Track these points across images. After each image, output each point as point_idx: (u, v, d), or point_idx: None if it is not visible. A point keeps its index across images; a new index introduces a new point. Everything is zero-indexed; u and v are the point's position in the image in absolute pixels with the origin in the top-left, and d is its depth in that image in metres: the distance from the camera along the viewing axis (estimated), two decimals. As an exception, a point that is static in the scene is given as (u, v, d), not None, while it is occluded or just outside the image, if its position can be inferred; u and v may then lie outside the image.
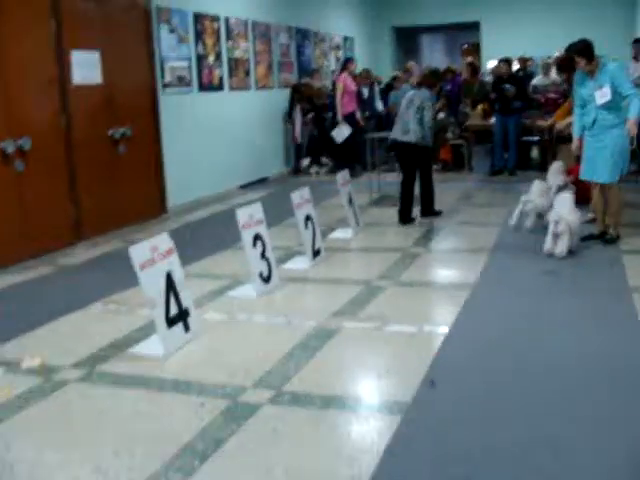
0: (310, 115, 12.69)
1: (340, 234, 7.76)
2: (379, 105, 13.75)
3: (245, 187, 11.35)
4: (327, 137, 12.73)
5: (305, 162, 12.86)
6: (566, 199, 6.66)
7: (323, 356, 4.40)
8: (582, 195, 7.34)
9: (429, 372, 4.06)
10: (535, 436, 3.28)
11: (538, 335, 4.62)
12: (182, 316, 4.69)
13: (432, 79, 8.51)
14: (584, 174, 6.94)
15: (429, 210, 8.48)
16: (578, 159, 7.55)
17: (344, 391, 3.89)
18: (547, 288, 5.66)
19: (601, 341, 4.48)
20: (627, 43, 15.00)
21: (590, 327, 4.75)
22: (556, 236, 6.43)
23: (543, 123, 11.35)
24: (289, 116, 12.56)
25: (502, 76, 11.54)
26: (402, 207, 8.27)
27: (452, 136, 12.43)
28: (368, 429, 3.46)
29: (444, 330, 4.75)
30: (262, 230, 5.91)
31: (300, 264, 6.61)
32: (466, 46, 23.82)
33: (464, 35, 21.00)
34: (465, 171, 12.26)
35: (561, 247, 6.39)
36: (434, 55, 21.22)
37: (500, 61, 11.80)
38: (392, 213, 8.63)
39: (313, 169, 12.90)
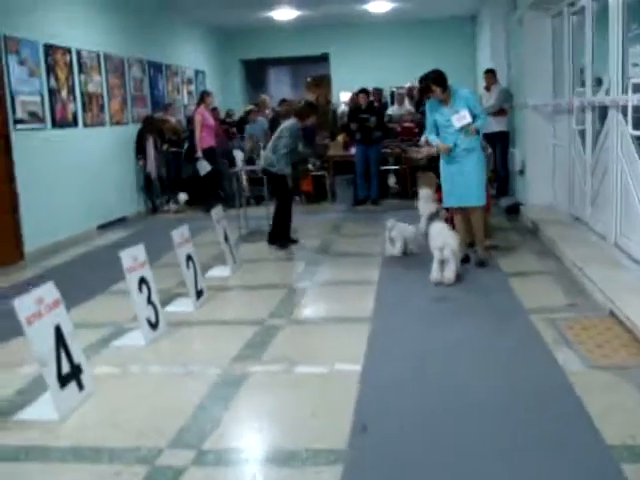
0: (164, 147, 12.24)
1: (217, 272, 7.44)
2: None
3: (104, 227, 10.75)
4: (181, 172, 12.42)
5: (183, 197, 12.38)
6: (442, 226, 6.68)
7: (237, 406, 4.09)
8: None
9: (355, 415, 3.85)
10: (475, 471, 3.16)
11: (452, 365, 4.54)
12: (75, 373, 4.24)
13: (307, 110, 8.55)
14: (450, 202, 7.05)
15: (277, 237, 8.57)
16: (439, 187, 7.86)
17: (272, 444, 3.60)
18: (445, 315, 5.63)
19: (515, 367, 4.46)
20: (469, 74, 15.75)
21: (500, 352, 4.73)
22: (442, 263, 6.44)
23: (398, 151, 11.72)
24: (139, 151, 11.98)
25: (360, 106, 11.63)
26: (272, 229, 8.58)
27: (313, 167, 12.41)
28: (313, 486, 3.19)
29: (356, 368, 4.56)
30: (147, 273, 5.53)
31: (184, 306, 6.25)
32: (309, 79, 24.13)
33: (311, 68, 21.23)
34: (328, 202, 12.25)
35: (449, 273, 6.42)
36: (281, 87, 21.28)
37: (359, 92, 11.89)
38: (266, 248, 8.47)
39: (171, 206, 12.43)
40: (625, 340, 4.74)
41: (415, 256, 7.60)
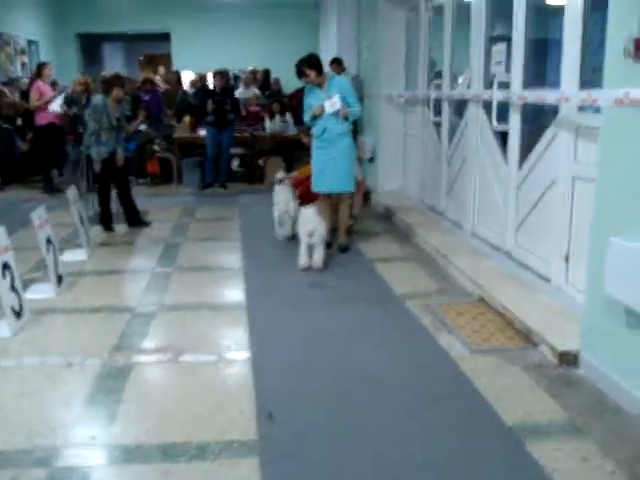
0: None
1: (72, 256, 7.04)
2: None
3: None
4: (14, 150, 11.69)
5: None
6: (311, 211, 6.69)
7: (132, 399, 3.90)
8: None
9: (257, 402, 3.79)
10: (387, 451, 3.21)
11: (339, 351, 4.57)
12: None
13: (110, 84, 8.13)
14: (319, 186, 7.10)
15: (135, 220, 8.49)
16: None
17: (181, 436, 3.46)
18: (321, 301, 5.65)
19: (402, 353, 4.56)
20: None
21: (384, 338, 4.82)
22: (311, 248, 6.48)
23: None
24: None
25: (214, 88, 11.41)
26: (101, 216, 8.30)
27: (158, 149, 12.06)
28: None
29: (245, 355, 4.51)
30: (10, 258, 5.14)
31: (43, 293, 5.88)
32: (142, 58, 23.39)
33: (148, 45, 20.59)
34: (174, 184, 11.96)
35: (318, 259, 6.47)
36: (115, 65, 20.46)
37: (215, 73, 11.65)
38: (118, 232, 8.17)
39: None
40: (499, 324, 4.99)
41: (274, 241, 7.59)
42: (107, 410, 3.74)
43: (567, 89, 4.87)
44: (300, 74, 6.85)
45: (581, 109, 4.82)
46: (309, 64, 6.78)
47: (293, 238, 7.32)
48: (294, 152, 11.18)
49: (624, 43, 3.65)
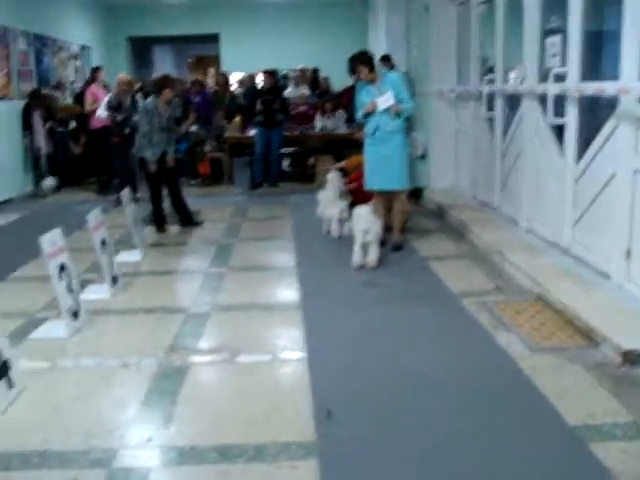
0: (48, 124, 11.55)
1: (127, 257, 7.10)
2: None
3: (-11, 210, 10.10)
4: (68, 152, 11.88)
5: (50, 182, 11.63)
6: (366, 210, 6.64)
7: (188, 400, 3.89)
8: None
9: (315, 402, 3.76)
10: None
11: (398, 349, 4.51)
12: (3, 370, 3.92)
13: (160, 85, 8.18)
14: (372, 184, 7.03)
15: (187, 220, 8.53)
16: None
17: (238, 438, 3.44)
18: (376, 300, 5.59)
19: (461, 351, 4.48)
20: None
21: (443, 336, 4.76)
22: (365, 247, 6.42)
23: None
24: (26, 127, 11.29)
25: (263, 88, 11.43)
26: (154, 217, 8.39)
27: (209, 149, 12.14)
28: (290, 481, 3.08)
29: (301, 355, 4.48)
30: (66, 259, 5.20)
31: (98, 294, 5.94)
32: (191, 60, 23.58)
33: (196, 47, 20.77)
34: (225, 185, 12.01)
35: (372, 257, 6.41)
36: (165, 67, 20.68)
37: (264, 72, 11.69)
38: (171, 231, 8.24)
39: (42, 189, 11.62)
40: (558, 322, 4.87)
41: (326, 239, 7.56)
42: (163, 411, 3.74)
43: (627, 80, 4.73)
44: (352, 71, 6.81)
45: (644, 100, 4.68)
46: (361, 61, 6.74)
47: (341, 237, 7.38)
48: (344, 150, 11.14)
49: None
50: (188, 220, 8.50)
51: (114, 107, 9.80)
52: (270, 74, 11.56)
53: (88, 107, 11.03)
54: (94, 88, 11.15)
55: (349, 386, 4.00)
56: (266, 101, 11.14)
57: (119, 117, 9.80)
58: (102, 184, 11.35)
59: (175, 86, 8.65)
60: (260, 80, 11.79)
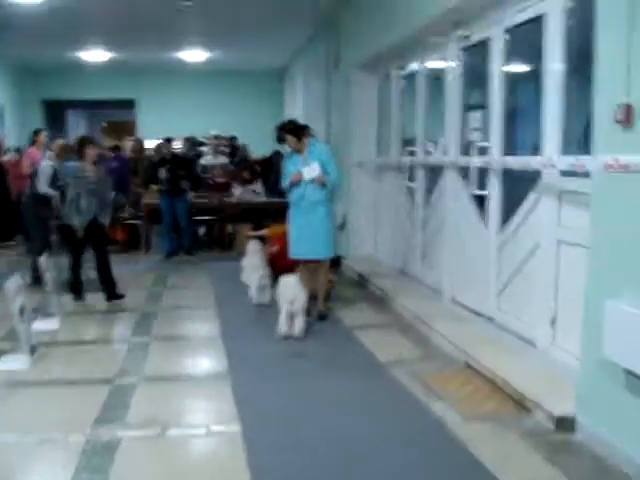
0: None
1: (44, 325, 6.82)
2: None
3: None
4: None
5: None
6: (292, 279, 6.63)
7: (122, 478, 3.71)
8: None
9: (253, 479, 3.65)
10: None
11: (332, 423, 4.45)
12: None
13: (81, 144, 7.79)
14: (297, 253, 7.06)
15: (112, 294, 7.96)
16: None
17: (177, 517, 3.30)
18: (306, 371, 5.53)
19: (397, 422, 4.47)
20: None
21: (377, 408, 4.74)
22: (291, 316, 6.39)
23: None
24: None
25: (165, 156, 11.33)
26: (72, 285, 7.95)
27: (127, 215, 11.96)
28: None
29: (234, 429, 4.35)
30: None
31: (15, 364, 5.67)
32: (105, 124, 23.41)
33: (111, 112, 20.62)
34: (143, 251, 11.80)
35: (299, 327, 6.37)
36: (78, 131, 20.42)
37: (164, 141, 11.66)
38: (89, 299, 7.94)
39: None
40: (488, 391, 4.93)
41: (249, 309, 7.49)
42: (97, 490, 3.56)
43: (550, 154, 4.94)
44: (280, 139, 6.88)
45: (564, 174, 4.88)
46: (288, 130, 6.82)
47: (262, 305, 7.40)
48: (263, 219, 11.17)
49: (613, 110, 3.71)
50: (113, 294, 7.96)
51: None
52: (168, 141, 11.58)
53: (25, 170, 10.53)
54: (33, 151, 10.75)
55: (286, 463, 3.88)
56: (170, 169, 11.05)
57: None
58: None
59: (96, 145, 8.26)
60: (167, 148, 11.58)
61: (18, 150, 13.14)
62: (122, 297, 7.97)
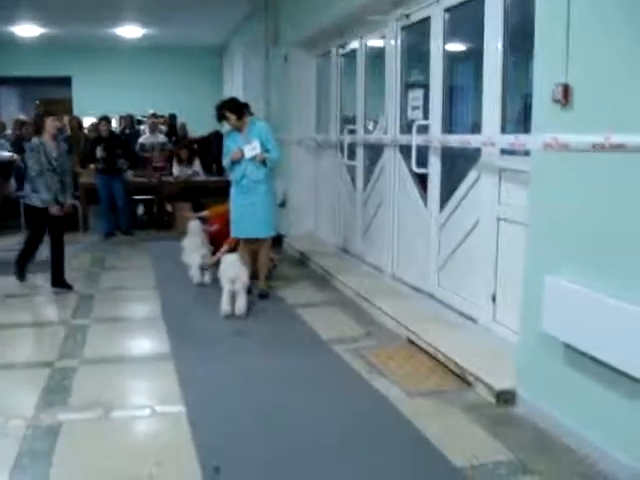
0: None
1: (-23, 308, 6.67)
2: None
3: None
4: None
5: None
6: (234, 258, 6.60)
7: (64, 462, 3.66)
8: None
9: (200, 458, 3.64)
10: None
11: (275, 400, 4.45)
12: None
13: (40, 120, 7.28)
14: (238, 232, 7.03)
15: (59, 281, 7.51)
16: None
17: (123, 500, 3.27)
18: (248, 349, 5.53)
19: (340, 399, 4.50)
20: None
21: (319, 385, 4.76)
22: (233, 295, 6.37)
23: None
24: None
25: (101, 135, 11.09)
26: (18, 263, 7.61)
27: (63, 195, 11.69)
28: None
29: (178, 409, 4.33)
30: None
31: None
32: (38, 102, 22.77)
33: (45, 90, 20.04)
34: (81, 232, 11.57)
35: (241, 306, 6.36)
36: (11, 109, 19.82)
37: (100, 119, 11.37)
38: (31, 283, 7.75)
39: None
40: (430, 366, 5.01)
41: (190, 288, 7.46)
42: (36, 476, 3.50)
43: (490, 133, 5.01)
44: (220, 117, 6.81)
45: (503, 152, 4.95)
46: (229, 108, 6.77)
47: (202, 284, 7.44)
48: (202, 197, 11.08)
49: (551, 90, 3.77)
50: (61, 281, 7.53)
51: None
52: (106, 120, 11.27)
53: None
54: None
55: (232, 440, 3.89)
56: (107, 148, 10.86)
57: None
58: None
59: (58, 115, 7.96)
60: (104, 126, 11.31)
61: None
62: (70, 288, 7.52)
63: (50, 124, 7.15)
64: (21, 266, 7.62)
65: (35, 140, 7.17)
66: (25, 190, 7.41)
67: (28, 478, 3.50)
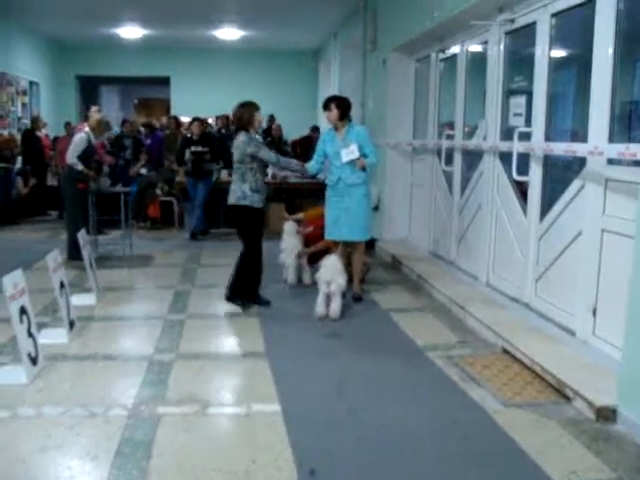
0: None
1: (81, 300, 6.90)
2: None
3: None
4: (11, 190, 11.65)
5: None
6: (334, 260, 6.59)
7: (164, 454, 3.75)
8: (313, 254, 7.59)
9: (295, 458, 3.67)
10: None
11: (370, 404, 4.45)
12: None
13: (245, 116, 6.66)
14: (332, 234, 7.05)
15: (240, 291, 6.84)
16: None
17: (221, 495, 3.33)
18: (342, 352, 5.55)
19: (436, 407, 4.46)
20: (311, 109, 16.01)
21: (415, 391, 4.72)
22: (328, 297, 6.39)
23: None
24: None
25: (192, 137, 11.09)
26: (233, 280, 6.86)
27: (161, 193, 12.03)
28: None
29: (275, 407, 4.38)
30: (26, 302, 5.03)
31: (55, 338, 5.75)
32: (136, 101, 23.54)
33: (144, 89, 20.70)
34: (176, 229, 11.87)
35: (335, 309, 6.38)
36: (111, 107, 20.57)
37: (192, 120, 11.39)
38: (125, 275, 7.99)
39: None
40: (526, 377, 4.91)
41: (284, 289, 7.59)
42: (137, 465, 3.60)
43: (597, 142, 4.87)
44: (325, 106, 6.83)
45: (610, 162, 4.81)
46: (338, 102, 6.81)
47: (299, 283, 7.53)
48: (296, 199, 11.18)
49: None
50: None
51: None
52: (200, 121, 11.22)
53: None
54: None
55: (328, 441, 3.91)
56: (194, 152, 10.88)
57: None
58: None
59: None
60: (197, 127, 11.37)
61: (69, 124, 13.29)
62: (266, 304, 6.88)
63: (258, 118, 6.78)
64: (247, 288, 6.84)
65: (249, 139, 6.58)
66: (237, 190, 6.60)
67: (129, 466, 3.60)
